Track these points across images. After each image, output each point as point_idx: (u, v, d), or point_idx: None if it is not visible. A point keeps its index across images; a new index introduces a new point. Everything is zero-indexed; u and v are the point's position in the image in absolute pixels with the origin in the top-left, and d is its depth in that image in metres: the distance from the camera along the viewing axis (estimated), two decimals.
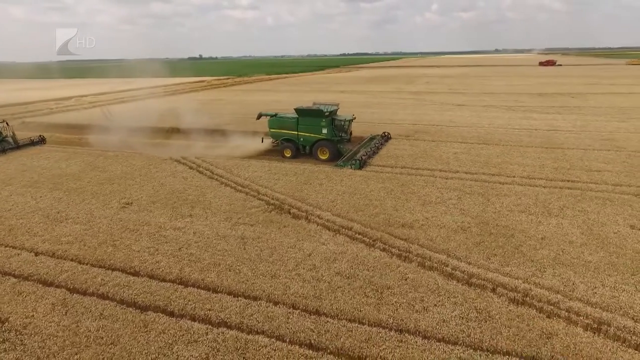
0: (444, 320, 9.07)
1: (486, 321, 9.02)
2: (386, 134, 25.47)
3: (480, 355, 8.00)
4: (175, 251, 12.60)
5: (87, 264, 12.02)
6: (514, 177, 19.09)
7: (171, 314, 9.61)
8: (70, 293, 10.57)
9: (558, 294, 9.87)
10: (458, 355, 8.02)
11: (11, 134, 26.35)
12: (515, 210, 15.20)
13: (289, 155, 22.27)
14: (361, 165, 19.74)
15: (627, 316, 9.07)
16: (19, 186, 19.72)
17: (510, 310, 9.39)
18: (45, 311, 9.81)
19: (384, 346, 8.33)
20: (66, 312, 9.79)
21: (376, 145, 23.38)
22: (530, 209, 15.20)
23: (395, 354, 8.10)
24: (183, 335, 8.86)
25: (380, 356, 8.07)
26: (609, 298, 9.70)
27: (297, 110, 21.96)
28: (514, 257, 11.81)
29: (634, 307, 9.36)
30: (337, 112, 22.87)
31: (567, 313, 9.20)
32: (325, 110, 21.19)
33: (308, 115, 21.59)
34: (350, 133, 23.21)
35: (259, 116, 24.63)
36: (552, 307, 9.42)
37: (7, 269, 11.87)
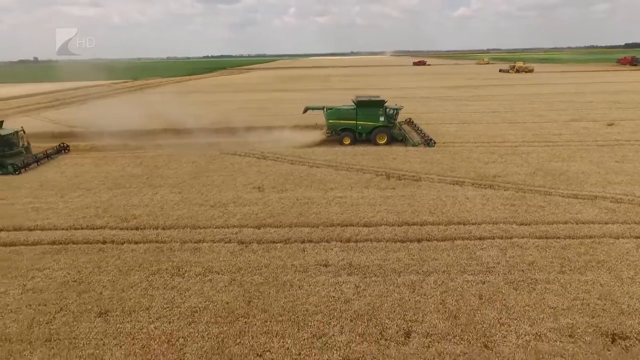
0: (595, 210, 14.67)
1: (616, 212, 14.90)
2: (410, 119, 30.51)
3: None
4: (375, 208, 15.65)
5: (328, 226, 14.30)
6: (516, 142, 26.16)
7: (433, 240, 13.14)
8: (344, 242, 13.10)
9: (631, 195, 16.38)
10: (617, 229, 13.65)
11: (26, 143, 23.32)
12: (547, 159, 21.90)
13: (347, 143, 25.48)
14: (434, 143, 24.74)
15: None
16: (103, 189, 19.16)
17: (620, 206, 15.49)
18: (353, 254, 12.35)
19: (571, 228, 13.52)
20: (372, 250, 12.50)
21: (417, 127, 28.17)
22: (554, 159, 22.07)
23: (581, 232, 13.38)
24: (455, 248, 12.60)
25: (575, 217, 13.24)
26: None
27: (358, 102, 25.49)
28: (583, 183, 18.12)
29: None
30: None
31: None
32: (378, 100, 25.26)
33: (368, 105, 25.28)
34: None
35: (305, 110, 27.30)
36: (635, 198, 15.85)
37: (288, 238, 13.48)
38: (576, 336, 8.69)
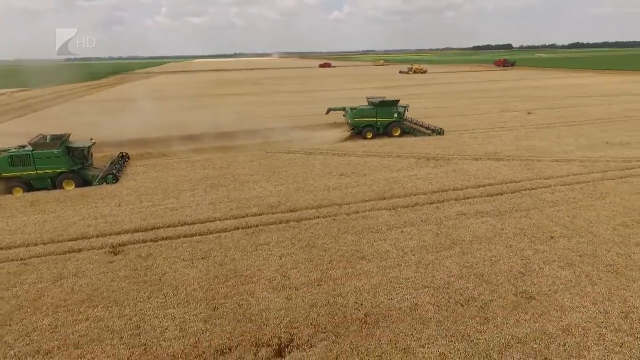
0: (576, 167, 22.73)
1: (587, 167, 23.17)
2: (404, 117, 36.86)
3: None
4: (448, 179, 21.42)
5: (432, 193, 19.56)
6: (482, 129, 34.47)
7: (507, 193, 19.53)
8: (456, 200, 18.64)
9: (585, 157, 25.07)
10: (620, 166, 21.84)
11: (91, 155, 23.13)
12: (515, 140, 30.25)
13: (370, 137, 30.81)
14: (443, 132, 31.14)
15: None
16: (207, 188, 21.45)
17: (587, 163, 23.88)
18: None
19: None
20: (480, 203, 18.23)
21: (412, 121, 34.50)
22: (519, 139, 30.54)
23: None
24: (525, 196, 19.23)
25: (570, 172, 21.04)
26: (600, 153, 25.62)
27: (379, 102, 30.79)
28: (554, 153, 26.48)
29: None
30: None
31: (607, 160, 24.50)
32: (393, 100, 31.15)
33: (384, 105, 30.76)
34: None
35: (328, 111, 31.67)
36: (589, 158, 24.50)
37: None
38: (630, 225, 15.76)
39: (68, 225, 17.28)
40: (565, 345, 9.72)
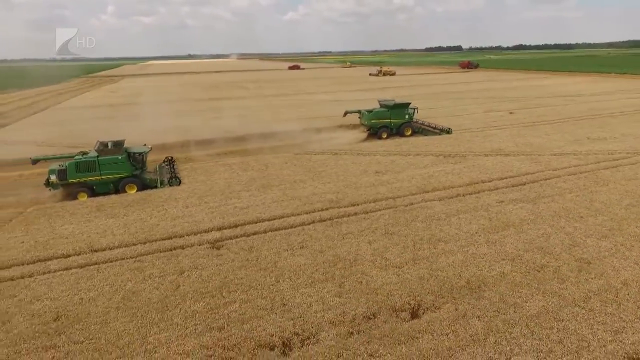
0: (572, 159, 26.55)
1: (581, 159, 27.08)
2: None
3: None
4: (474, 173, 24.40)
5: (468, 185, 22.40)
6: (478, 128, 38.14)
7: (528, 183, 22.80)
8: (490, 190, 21.60)
9: (576, 151, 29.09)
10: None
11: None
12: (511, 137, 34.05)
13: (385, 137, 33.49)
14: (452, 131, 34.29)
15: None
16: (259, 188, 23.17)
17: (580, 156, 27.82)
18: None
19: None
20: (511, 192, 21.28)
21: (424, 122, 37.47)
22: (514, 137, 34.38)
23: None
24: (544, 185, 22.61)
25: (570, 164, 24.80)
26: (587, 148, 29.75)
27: (393, 105, 33.50)
28: (550, 148, 30.38)
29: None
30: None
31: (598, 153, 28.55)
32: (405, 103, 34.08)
33: (397, 107, 33.53)
34: None
35: (345, 113, 33.98)
36: (580, 152, 28.52)
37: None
38: (636, 205, 19.32)
39: (151, 226, 18.50)
40: (629, 293, 12.72)
